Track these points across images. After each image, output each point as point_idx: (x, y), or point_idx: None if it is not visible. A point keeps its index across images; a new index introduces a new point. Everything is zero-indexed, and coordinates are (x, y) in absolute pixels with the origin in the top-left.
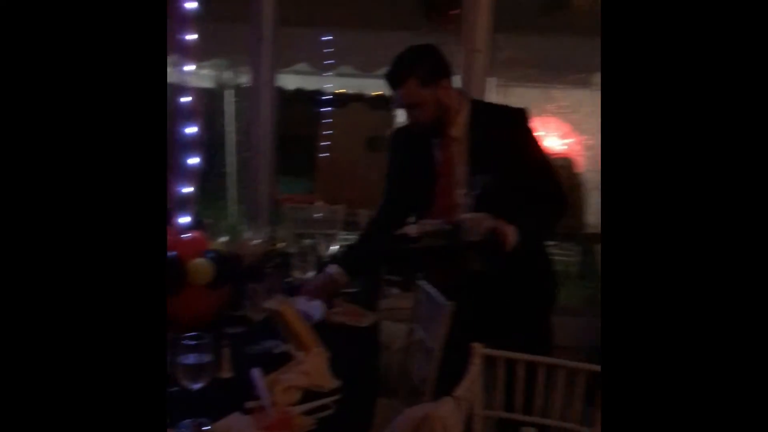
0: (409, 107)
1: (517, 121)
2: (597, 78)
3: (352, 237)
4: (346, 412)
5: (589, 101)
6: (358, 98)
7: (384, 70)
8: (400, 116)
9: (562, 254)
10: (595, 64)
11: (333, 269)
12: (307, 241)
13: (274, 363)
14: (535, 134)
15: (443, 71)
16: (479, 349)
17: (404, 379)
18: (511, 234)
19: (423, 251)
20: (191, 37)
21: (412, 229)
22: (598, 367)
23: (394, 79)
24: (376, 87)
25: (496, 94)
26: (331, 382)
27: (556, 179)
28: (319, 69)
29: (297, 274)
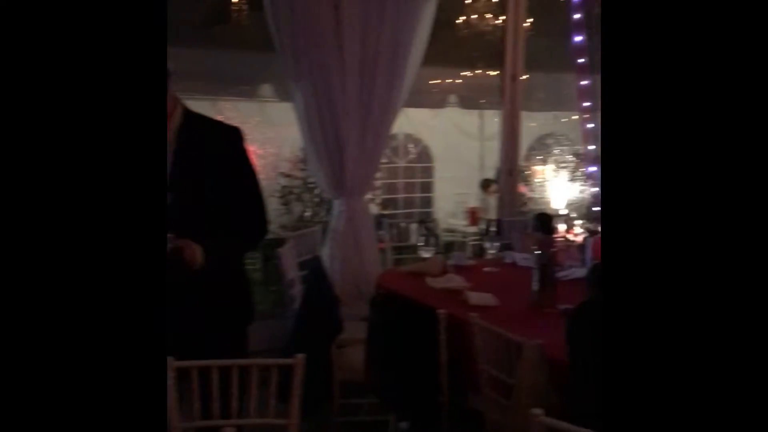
0: None
1: (231, 138)
2: (263, 89)
3: None
4: None
5: (257, 112)
6: None
7: None
8: None
9: (246, 262)
10: (260, 77)
11: None
12: None
13: None
14: (248, 155)
15: None
16: (171, 362)
17: None
18: (197, 255)
19: None
20: None
21: None
22: (288, 361)
23: None
24: None
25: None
26: None
27: (262, 204)
28: None
29: None
